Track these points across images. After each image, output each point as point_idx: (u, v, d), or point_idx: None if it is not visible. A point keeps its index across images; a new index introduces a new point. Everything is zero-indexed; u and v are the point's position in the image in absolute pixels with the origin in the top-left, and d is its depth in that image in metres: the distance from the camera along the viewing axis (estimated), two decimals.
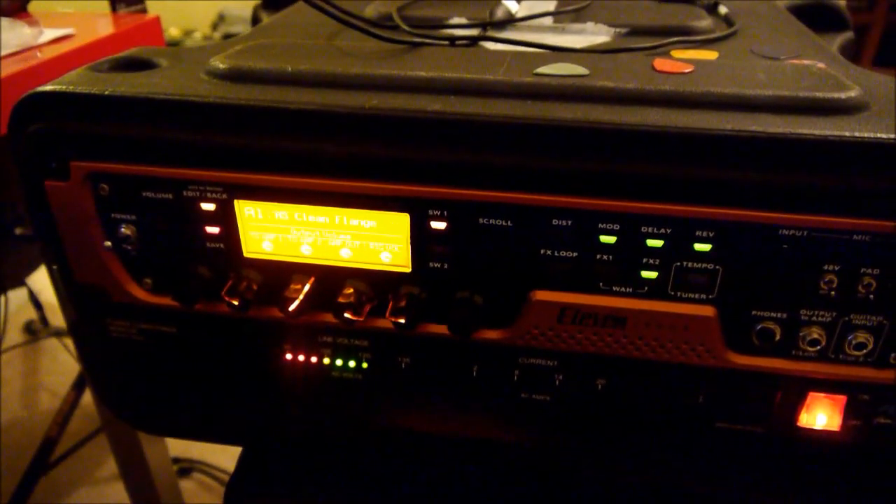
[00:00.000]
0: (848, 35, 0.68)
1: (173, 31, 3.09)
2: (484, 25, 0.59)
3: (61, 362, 1.83)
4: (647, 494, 0.54)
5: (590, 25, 0.60)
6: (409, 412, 0.51)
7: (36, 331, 1.93)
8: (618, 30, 0.60)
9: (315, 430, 0.54)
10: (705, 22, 0.60)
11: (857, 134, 0.36)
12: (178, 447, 1.51)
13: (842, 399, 0.43)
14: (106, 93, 0.43)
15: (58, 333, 1.89)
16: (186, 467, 1.51)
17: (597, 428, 0.48)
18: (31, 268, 1.63)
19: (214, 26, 3.17)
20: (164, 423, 0.59)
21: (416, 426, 0.52)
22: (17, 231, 1.49)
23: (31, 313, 1.91)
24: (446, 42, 0.54)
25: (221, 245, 0.47)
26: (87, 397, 1.53)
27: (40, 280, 1.81)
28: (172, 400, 0.56)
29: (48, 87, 0.44)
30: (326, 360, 0.50)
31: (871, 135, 0.36)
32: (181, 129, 0.43)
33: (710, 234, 0.40)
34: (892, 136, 0.36)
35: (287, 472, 0.58)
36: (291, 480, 0.58)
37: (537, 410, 0.48)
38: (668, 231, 0.40)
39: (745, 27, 0.61)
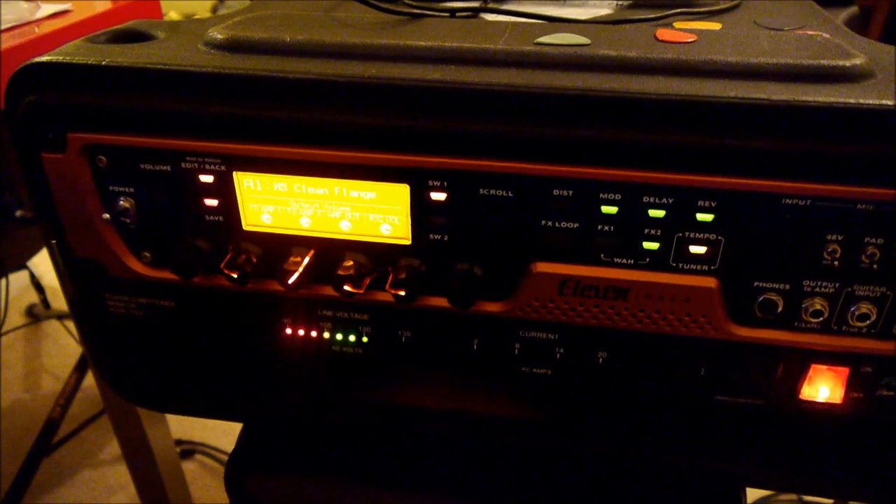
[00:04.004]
0: (852, 10, 0.67)
1: (173, 14, 3.06)
2: None
3: (63, 345, 1.83)
4: (648, 468, 0.54)
5: None
6: (409, 387, 0.51)
7: (37, 314, 1.93)
8: (620, 2, 0.59)
9: (315, 405, 0.54)
10: None
11: (861, 101, 0.36)
12: (181, 429, 1.52)
13: (844, 371, 0.43)
14: (103, 63, 0.43)
15: (59, 316, 1.89)
16: (189, 449, 1.51)
17: (597, 402, 0.48)
18: (33, 251, 1.63)
19: (214, 9, 3.15)
20: (163, 399, 0.59)
21: (416, 401, 0.51)
22: (18, 213, 1.48)
23: (33, 296, 1.92)
24: (447, 13, 0.53)
25: (220, 217, 0.46)
26: (89, 380, 1.53)
27: (42, 263, 1.82)
28: (172, 376, 0.55)
29: (45, 58, 0.44)
30: (326, 335, 0.49)
31: (876, 102, 0.36)
32: (179, 99, 0.43)
33: (713, 204, 0.39)
34: None
35: (287, 449, 0.58)
36: (291, 456, 0.58)
37: (538, 384, 0.48)
38: (670, 201, 0.40)
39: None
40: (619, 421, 0.49)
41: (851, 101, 0.36)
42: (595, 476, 0.54)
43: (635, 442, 0.50)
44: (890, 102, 0.36)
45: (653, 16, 0.52)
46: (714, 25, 0.52)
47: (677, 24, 0.51)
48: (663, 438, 0.49)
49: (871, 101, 0.36)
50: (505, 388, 0.49)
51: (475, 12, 0.54)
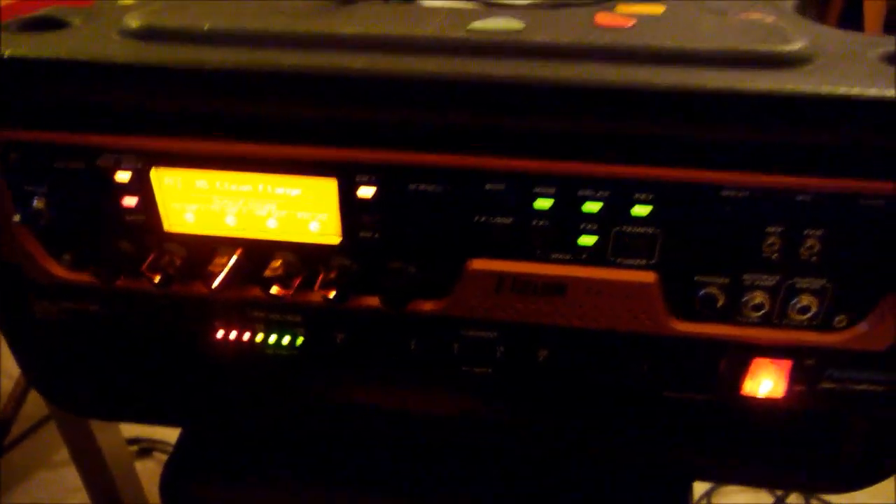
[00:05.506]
0: None
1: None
2: None
3: None
4: (595, 464, 0.53)
5: None
6: (348, 389, 0.49)
7: None
8: None
9: (253, 408, 0.52)
10: None
11: (796, 88, 0.35)
12: (139, 426, 1.48)
13: (787, 364, 0.42)
14: (5, 55, 0.40)
15: None
16: (147, 447, 1.48)
17: (540, 400, 0.47)
18: None
19: None
20: (98, 406, 0.57)
21: (357, 402, 0.50)
22: None
23: None
24: None
25: (141, 217, 0.44)
26: None
27: None
28: (105, 383, 0.53)
29: None
30: (259, 337, 0.47)
31: (812, 89, 0.34)
32: (90, 92, 0.41)
33: (650, 197, 0.38)
34: (834, 89, 0.34)
35: (226, 453, 0.56)
36: (230, 460, 0.56)
37: (479, 384, 0.46)
38: (606, 194, 0.38)
39: None
40: (563, 418, 0.48)
41: (789, 87, 0.35)
42: (541, 472, 0.53)
43: (581, 438, 0.49)
44: (826, 89, 0.34)
45: None
46: (657, 9, 0.50)
47: (619, 8, 0.50)
48: (609, 434, 0.48)
49: (806, 88, 0.34)
50: (446, 387, 0.47)
51: None
